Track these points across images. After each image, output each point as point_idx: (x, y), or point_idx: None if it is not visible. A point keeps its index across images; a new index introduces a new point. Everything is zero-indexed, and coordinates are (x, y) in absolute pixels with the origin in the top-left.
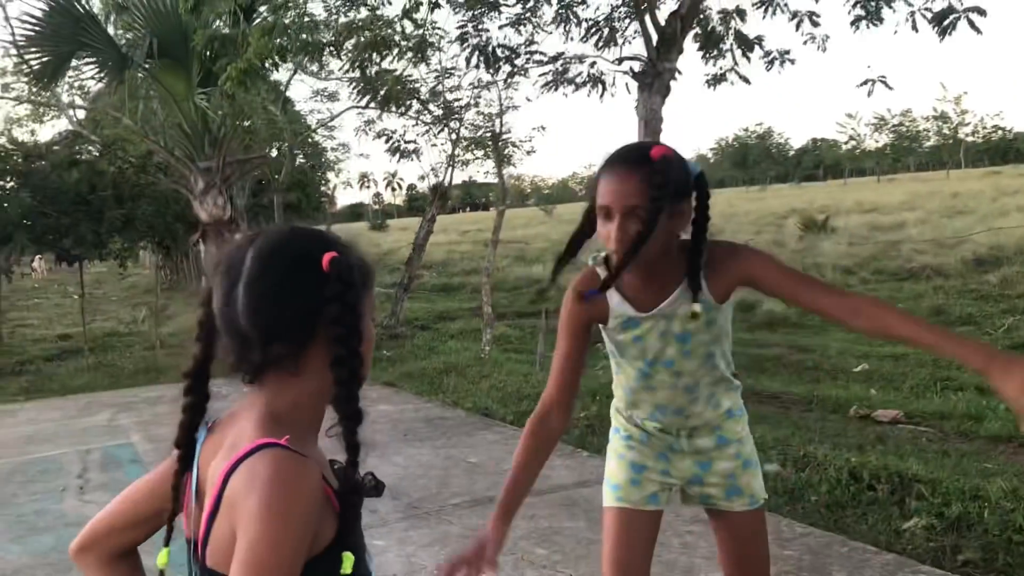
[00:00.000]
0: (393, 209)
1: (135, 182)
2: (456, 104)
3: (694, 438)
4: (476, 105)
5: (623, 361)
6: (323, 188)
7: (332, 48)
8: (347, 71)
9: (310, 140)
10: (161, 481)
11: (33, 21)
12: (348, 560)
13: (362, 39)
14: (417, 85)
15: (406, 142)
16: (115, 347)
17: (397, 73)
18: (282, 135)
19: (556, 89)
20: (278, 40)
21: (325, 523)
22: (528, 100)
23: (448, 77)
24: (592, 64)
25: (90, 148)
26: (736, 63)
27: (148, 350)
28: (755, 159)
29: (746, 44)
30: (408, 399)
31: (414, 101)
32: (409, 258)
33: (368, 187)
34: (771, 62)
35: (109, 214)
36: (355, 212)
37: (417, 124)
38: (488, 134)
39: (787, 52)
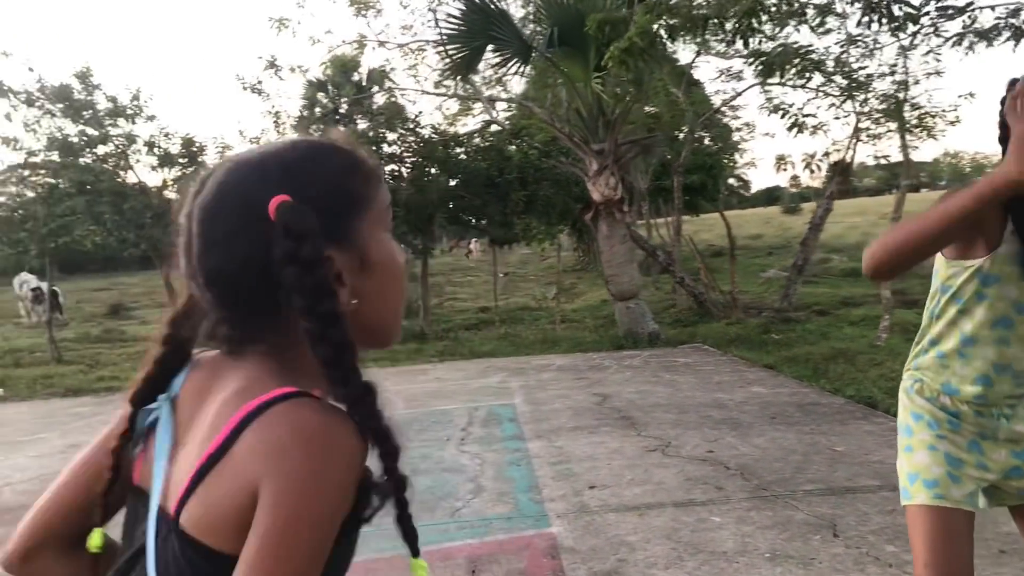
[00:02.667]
0: (811, 192)
1: (538, 166)
2: (861, 73)
3: (1012, 421)
4: (892, 74)
5: (980, 306)
6: (731, 170)
7: (716, 20)
8: (730, 42)
9: (714, 121)
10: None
11: (454, 20)
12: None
13: (739, 6)
14: (820, 56)
15: (804, 116)
16: (523, 320)
17: (791, 41)
18: (683, 117)
19: (960, 43)
20: (662, 18)
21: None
22: (939, 66)
23: (853, 44)
24: (1016, 12)
25: (511, 138)
26: None
27: (550, 323)
28: None
29: None
30: (785, 383)
31: (815, 73)
32: (804, 239)
33: (785, 169)
34: None
35: (514, 195)
36: (771, 196)
37: (817, 97)
38: (896, 104)
39: None
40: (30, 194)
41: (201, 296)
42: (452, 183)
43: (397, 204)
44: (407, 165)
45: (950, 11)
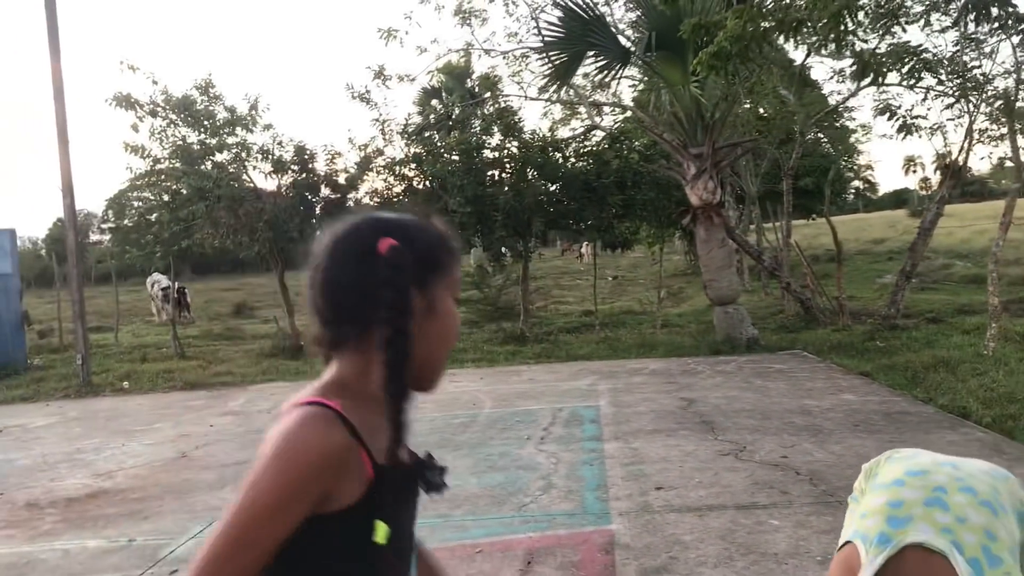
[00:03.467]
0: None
1: (637, 170)
2: (976, 73)
3: None
4: (1017, 71)
5: None
6: (850, 173)
7: (808, 24)
8: (823, 45)
9: (830, 123)
10: None
11: (554, 27)
12: (380, 529)
13: (827, 9)
14: (934, 56)
15: (913, 117)
16: (625, 324)
17: (902, 41)
18: (792, 119)
19: None
20: (754, 22)
21: (347, 485)
22: None
23: (970, 43)
24: None
25: (612, 142)
26: None
27: (651, 328)
28: None
29: None
30: (876, 391)
31: (925, 74)
32: (913, 244)
33: (915, 172)
34: None
35: (611, 199)
36: (900, 198)
37: (927, 98)
38: (1007, 104)
39: None
40: (156, 199)
41: (312, 304)
42: (552, 188)
43: (496, 208)
44: (507, 171)
45: None
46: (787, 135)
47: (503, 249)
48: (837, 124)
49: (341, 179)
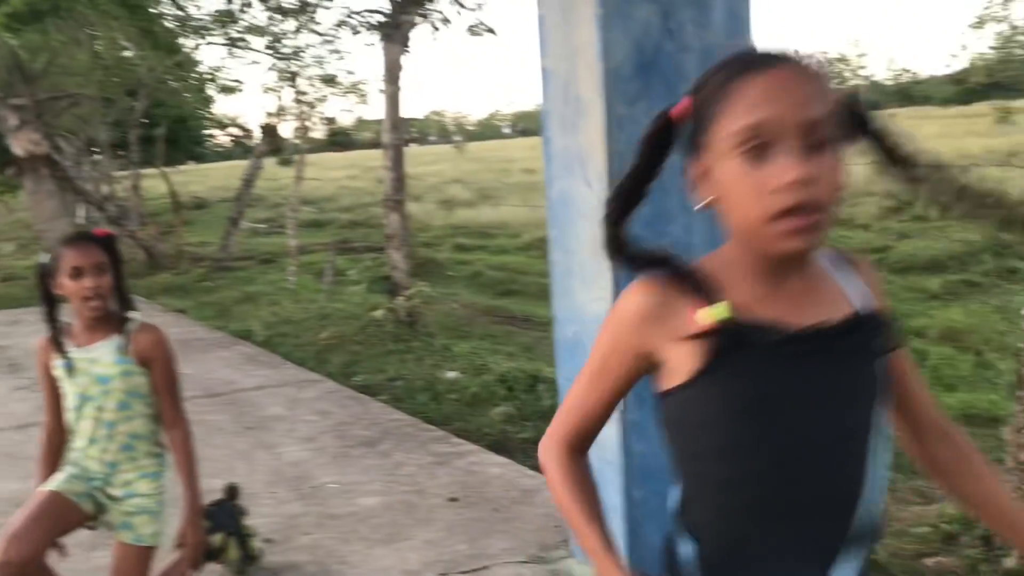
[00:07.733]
0: (305, 145)
1: None
2: (291, 44)
3: (111, 486)
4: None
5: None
6: (214, 122)
7: None
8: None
9: (185, 76)
10: None
11: None
12: (721, 308)
13: None
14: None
15: (234, 81)
16: None
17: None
18: (135, 70)
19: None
20: None
21: (670, 345)
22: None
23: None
24: (350, 14)
25: None
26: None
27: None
28: None
29: None
30: (184, 324)
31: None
32: (238, 195)
33: (285, 120)
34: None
35: None
36: (274, 147)
37: (252, 64)
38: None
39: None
40: None
41: None
42: None
43: None
44: None
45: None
46: (136, 85)
47: None
48: (192, 77)
49: None
